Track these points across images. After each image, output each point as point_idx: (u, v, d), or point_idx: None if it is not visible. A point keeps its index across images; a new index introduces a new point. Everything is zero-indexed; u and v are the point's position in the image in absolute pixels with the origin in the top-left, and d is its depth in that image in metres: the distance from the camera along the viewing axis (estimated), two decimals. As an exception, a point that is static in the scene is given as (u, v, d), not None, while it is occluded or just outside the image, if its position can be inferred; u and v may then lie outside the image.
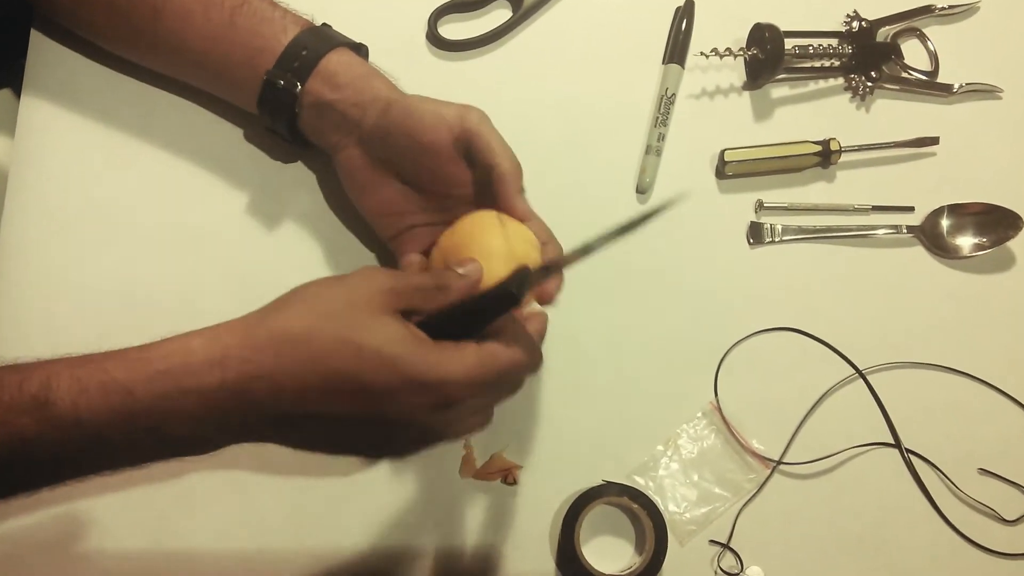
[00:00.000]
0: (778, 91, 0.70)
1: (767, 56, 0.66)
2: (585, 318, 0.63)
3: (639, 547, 0.59)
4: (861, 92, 0.69)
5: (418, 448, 0.47)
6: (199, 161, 0.64)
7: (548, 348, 0.62)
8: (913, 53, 0.71)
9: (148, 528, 0.58)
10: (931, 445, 0.62)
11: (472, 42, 0.68)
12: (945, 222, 0.67)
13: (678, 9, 0.70)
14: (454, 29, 0.68)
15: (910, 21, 0.71)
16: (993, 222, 0.66)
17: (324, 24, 0.60)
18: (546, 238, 0.55)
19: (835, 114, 0.69)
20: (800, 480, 0.62)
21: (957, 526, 0.61)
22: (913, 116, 0.69)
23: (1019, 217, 0.65)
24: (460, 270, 0.48)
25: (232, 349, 0.42)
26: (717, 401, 0.62)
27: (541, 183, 0.59)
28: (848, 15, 0.70)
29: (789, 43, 0.67)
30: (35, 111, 0.63)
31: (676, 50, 0.69)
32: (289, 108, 0.57)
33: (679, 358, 0.63)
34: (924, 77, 0.70)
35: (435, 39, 0.68)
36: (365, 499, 0.59)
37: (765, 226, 0.66)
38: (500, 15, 0.69)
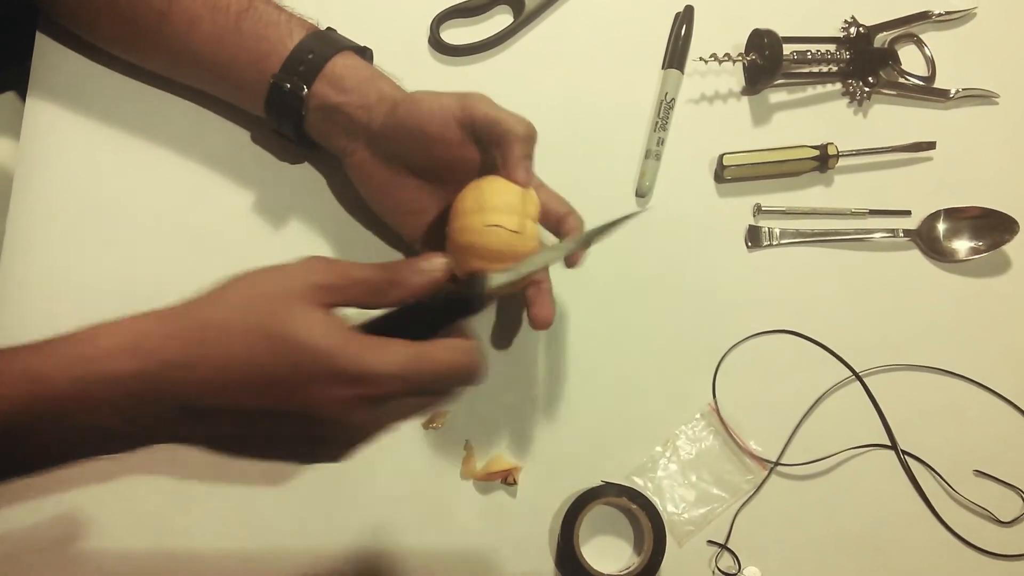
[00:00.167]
0: (776, 96, 0.70)
1: (766, 61, 0.67)
2: (585, 320, 0.63)
3: (638, 547, 0.60)
4: (859, 97, 0.70)
5: (343, 449, 0.44)
6: (204, 162, 0.64)
7: (549, 349, 0.63)
8: (910, 59, 0.71)
9: (148, 528, 0.58)
10: (927, 447, 0.63)
11: (474, 47, 0.68)
12: (941, 226, 0.67)
13: (677, 15, 0.71)
14: (456, 34, 0.69)
15: (907, 27, 0.72)
16: (989, 226, 0.66)
17: (329, 28, 0.60)
18: (566, 209, 0.55)
19: (833, 119, 0.70)
20: (797, 481, 0.62)
21: (953, 527, 0.61)
22: (910, 121, 0.70)
23: (1014, 221, 0.66)
24: (424, 264, 0.44)
25: (150, 336, 0.41)
26: (715, 402, 0.63)
27: (542, 186, 0.59)
28: (846, 21, 0.71)
29: (787, 48, 0.67)
30: (40, 113, 0.64)
31: (675, 55, 0.69)
32: (296, 111, 0.57)
33: (678, 360, 0.63)
34: (921, 82, 0.70)
35: (437, 44, 0.68)
36: (365, 499, 0.59)
37: (763, 229, 0.66)
38: (501, 20, 0.69)
